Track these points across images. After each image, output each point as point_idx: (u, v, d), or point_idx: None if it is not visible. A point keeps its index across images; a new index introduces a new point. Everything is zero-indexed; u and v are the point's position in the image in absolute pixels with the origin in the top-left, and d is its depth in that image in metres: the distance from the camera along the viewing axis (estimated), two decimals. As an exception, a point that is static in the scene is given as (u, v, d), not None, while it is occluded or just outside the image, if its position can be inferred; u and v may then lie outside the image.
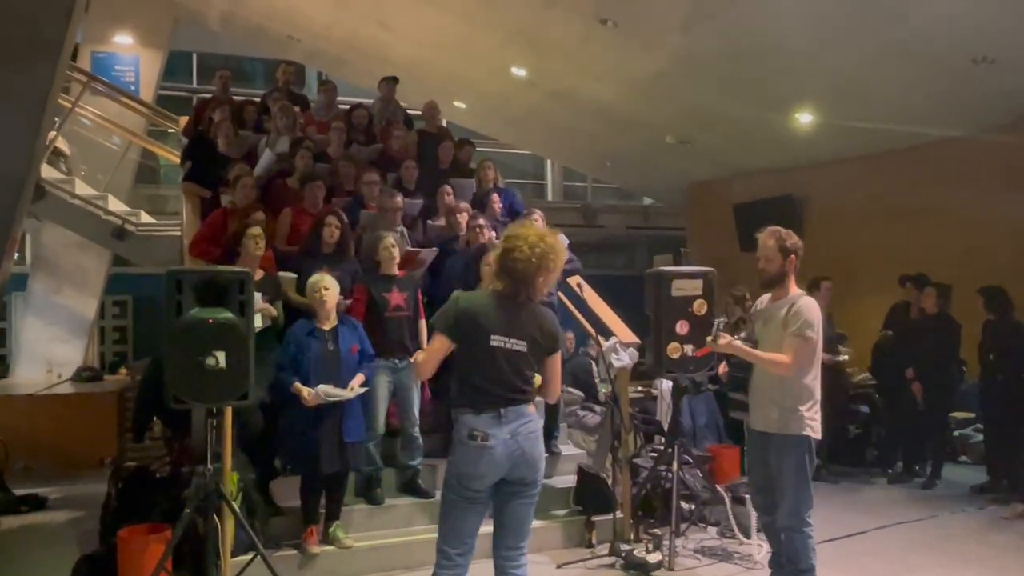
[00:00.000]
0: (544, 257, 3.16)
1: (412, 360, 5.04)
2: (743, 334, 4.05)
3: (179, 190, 7.09)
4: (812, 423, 3.82)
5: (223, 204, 6.05)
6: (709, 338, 4.01)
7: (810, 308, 3.82)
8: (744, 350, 3.91)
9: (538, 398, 3.34)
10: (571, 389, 7.18)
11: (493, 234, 6.14)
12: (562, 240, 6.18)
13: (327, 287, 4.67)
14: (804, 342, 3.77)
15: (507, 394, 3.15)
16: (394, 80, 8.07)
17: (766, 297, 4.06)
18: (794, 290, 3.94)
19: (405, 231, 6.06)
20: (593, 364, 7.69)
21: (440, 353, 3.23)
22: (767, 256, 3.91)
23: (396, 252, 5.21)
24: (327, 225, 5.30)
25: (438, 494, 5.11)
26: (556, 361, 3.34)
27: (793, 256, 3.89)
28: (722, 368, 4.88)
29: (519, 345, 3.18)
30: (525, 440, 3.14)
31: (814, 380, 3.86)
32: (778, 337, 3.85)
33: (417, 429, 5.16)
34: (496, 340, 3.14)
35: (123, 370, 10.19)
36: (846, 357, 7.37)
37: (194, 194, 6.59)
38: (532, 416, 3.21)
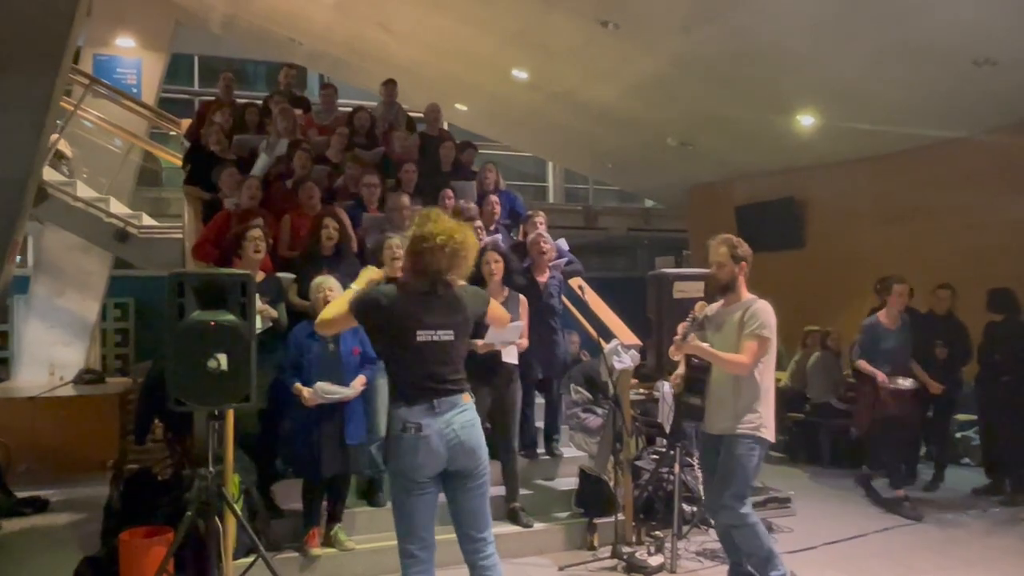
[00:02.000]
0: (455, 254, 3.18)
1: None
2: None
3: (181, 193, 7.10)
4: (765, 425, 3.95)
5: (226, 207, 6.06)
6: (678, 337, 4.10)
7: (766, 311, 3.97)
8: (707, 350, 4.02)
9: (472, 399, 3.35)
10: (579, 388, 7.18)
11: (499, 236, 6.16)
12: (562, 244, 6.26)
13: (331, 289, 4.68)
14: (761, 342, 3.91)
15: (438, 386, 3.17)
16: (392, 83, 8.08)
17: (716, 304, 4.18)
18: (746, 295, 4.09)
19: None
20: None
21: (342, 323, 3.31)
22: (719, 262, 4.08)
23: (400, 253, 5.20)
24: (324, 227, 5.31)
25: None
26: (494, 307, 3.55)
27: (744, 263, 4.07)
28: (674, 378, 4.83)
29: (447, 335, 3.20)
30: (461, 429, 3.15)
31: (769, 382, 4.00)
32: (733, 341, 3.98)
33: None
34: (423, 335, 3.16)
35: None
36: (910, 383, 6.15)
37: (195, 197, 6.61)
38: (467, 406, 3.22)
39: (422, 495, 3.16)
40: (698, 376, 4.35)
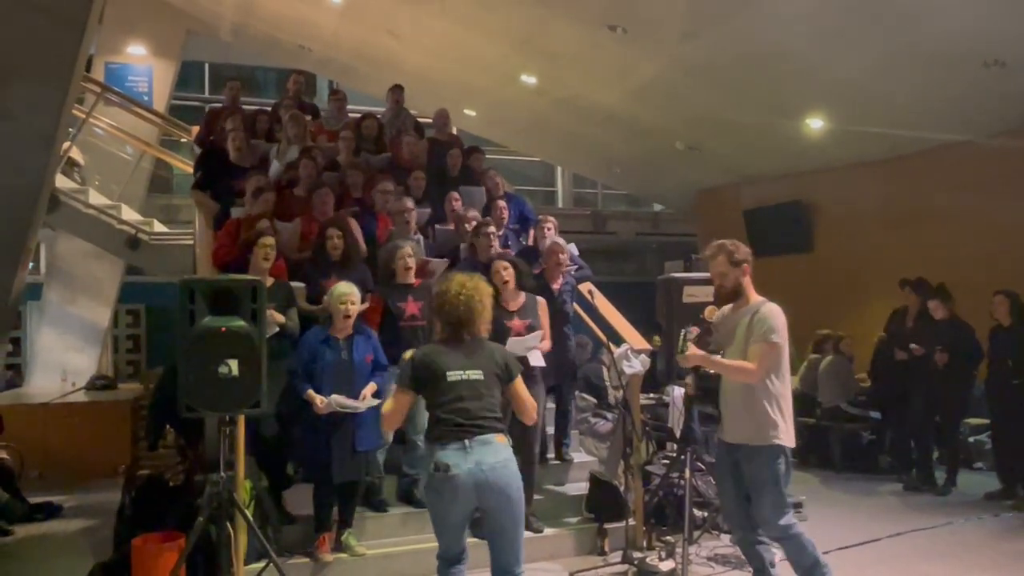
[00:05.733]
0: (470, 302, 3.46)
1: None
2: (710, 345, 4.02)
3: (192, 199, 7.14)
4: (784, 431, 3.78)
5: (232, 216, 6.07)
6: (677, 350, 3.95)
7: (774, 314, 3.79)
8: (711, 360, 3.87)
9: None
10: (585, 396, 7.17)
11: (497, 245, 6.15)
12: (572, 249, 6.25)
13: (353, 302, 4.65)
14: (770, 347, 3.74)
15: (471, 424, 3.28)
16: (400, 89, 8.09)
17: (727, 308, 4.03)
18: (755, 297, 3.92)
19: (422, 239, 6.08)
20: (604, 369, 7.68)
21: (403, 407, 3.49)
22: (720, 272, 3.91)
23: (412, 262, 5.22)
24: (329, 238, 5.32)
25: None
26: (518, 386, 3.52)
27: (745, 265, 3.90)
28: (688, 385, 4.79)
29: (476, 374, 3.38)
30: (491, 470, 3.23)
31: (784, 387, 3.83)
32: (743, 346, 3.82)
33: (422, 438, 5.14)
34: (453, 375, 3.37)
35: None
36: None
37: (203, 203, 6.62)
38: (500, 447, 3.30)
39: (455, 523, 3.33)
40: (707, 385, 4.22)
